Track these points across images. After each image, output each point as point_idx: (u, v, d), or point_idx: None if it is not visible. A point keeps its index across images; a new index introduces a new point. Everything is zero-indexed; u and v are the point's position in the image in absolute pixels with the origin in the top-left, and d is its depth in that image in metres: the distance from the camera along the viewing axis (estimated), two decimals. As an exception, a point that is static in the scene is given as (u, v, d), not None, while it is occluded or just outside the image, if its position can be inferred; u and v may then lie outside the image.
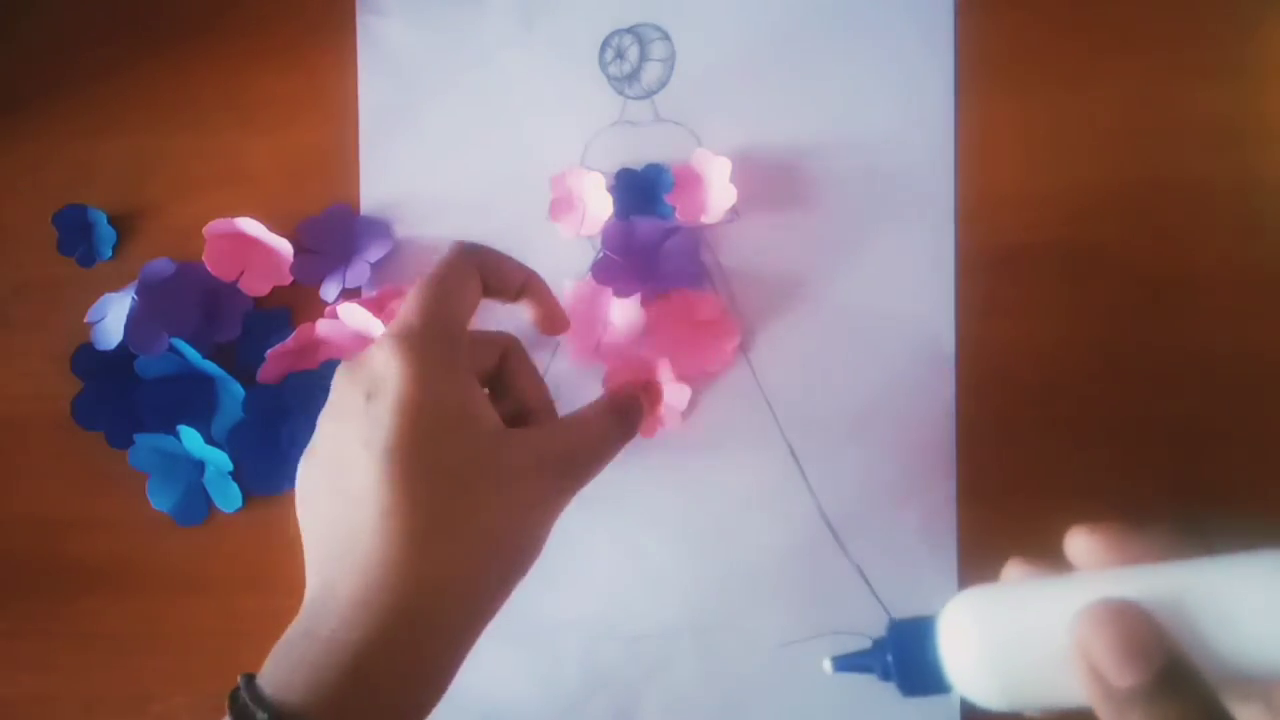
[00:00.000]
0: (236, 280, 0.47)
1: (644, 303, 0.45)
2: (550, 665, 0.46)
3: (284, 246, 0.47)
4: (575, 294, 0.46)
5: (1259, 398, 0.44)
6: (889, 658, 0.29)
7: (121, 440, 0.47)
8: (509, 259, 0.38)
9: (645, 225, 0.46)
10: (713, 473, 0.46)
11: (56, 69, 0.49)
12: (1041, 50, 0.45)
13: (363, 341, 0.45)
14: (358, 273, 0.47)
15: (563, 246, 0.46)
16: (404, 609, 0.31)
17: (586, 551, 0.46)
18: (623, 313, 0.45)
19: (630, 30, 0.47)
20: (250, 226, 0.46)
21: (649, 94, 0.47)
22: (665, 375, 0.44)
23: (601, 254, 0.46)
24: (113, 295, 0.47)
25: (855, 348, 0.45)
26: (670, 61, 0.47)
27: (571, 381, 0.46)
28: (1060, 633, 0.25)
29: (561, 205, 0.47)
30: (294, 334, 0.46)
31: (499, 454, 0.34)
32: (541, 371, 0.46)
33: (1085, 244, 0.45)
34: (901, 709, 0.29)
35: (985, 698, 0.27)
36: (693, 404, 0.46)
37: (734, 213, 0.46)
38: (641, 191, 0.46)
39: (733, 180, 0.45)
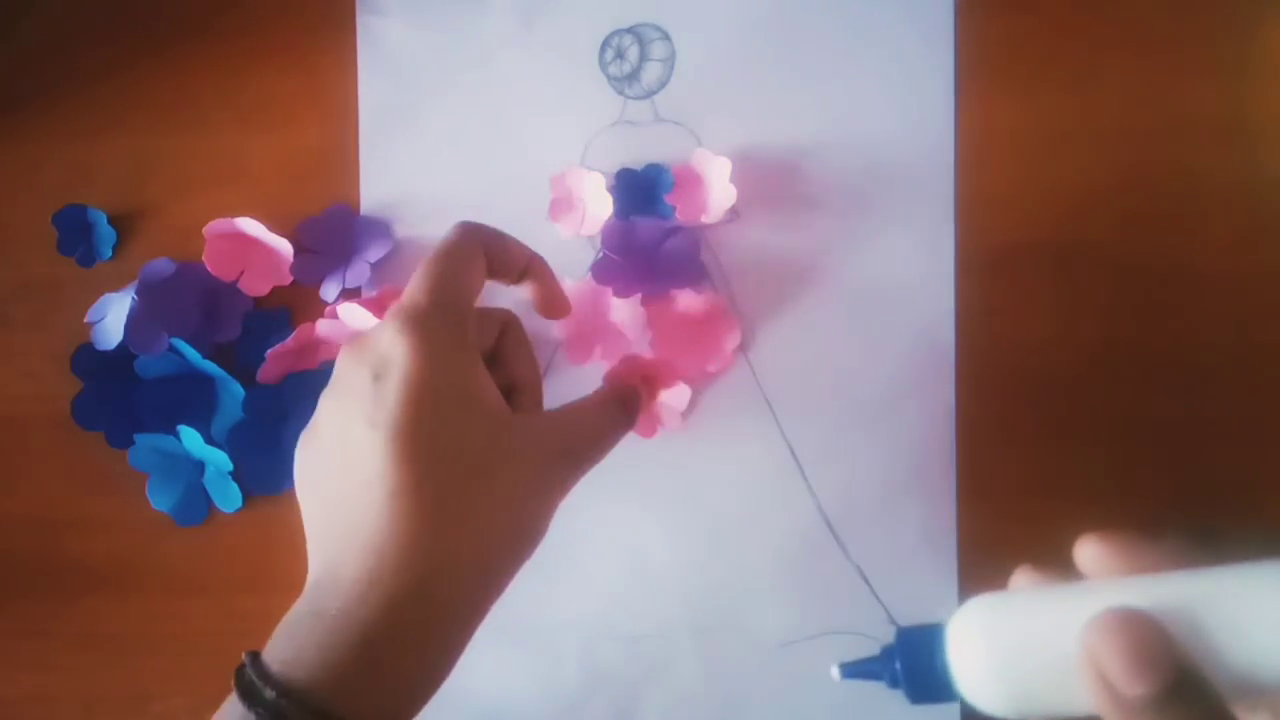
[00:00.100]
0: (236, 280, 0.47)
1: (644, 303, 0.45)
2: (550, 665, 0.46)
3: (284, 246, 0.47)
4: (575, 294, 0.46)
5: (1259, 397, 0.44)
6: (897, 665, 0.29)
7: (121, 440, 0.47)
8: (513, 240, 0.38)
9: (645, 225, 0.46)
10: (713, 473, 0.46)
11: (56, 69, 0.49)
12: (1041, 50, 0.45)
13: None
14: (358, 273, 0.47)
15: (563, 246, 0.46)
16: (414, 587, 0.31)
17: (586, 551, 0.46)
18: (623, 313, 0.45)
19: (630, 30, 0.47)
20: (250, 226, 0.46)
21: (649, 94, 0.47)
22: (665, 375, 0.44)
23: (601, 254, 0.46)
24: (113, 295, 0.47)
25: (855, 347, 0.45)
26: (670, 61, 0.47)
27: (572, 381, 0.46)
28: (1069, 641, 0.25)
29: (561, 205, 0.47)
30: (294, 334, 0.46)
31: (506, 437, 0.34)
32: (542, 372, 0.46)
33: (1085, 243, 0.45)
34: (901, 709, 0.29)
35: (993, 706, 0.27)
36: (693, 404, 0.46)
37: (734, 213, 0.46)
38: (641, 191, 0.46)
39: (733, 180, 0.45)
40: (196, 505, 0.47)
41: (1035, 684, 0.26)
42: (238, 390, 0.46)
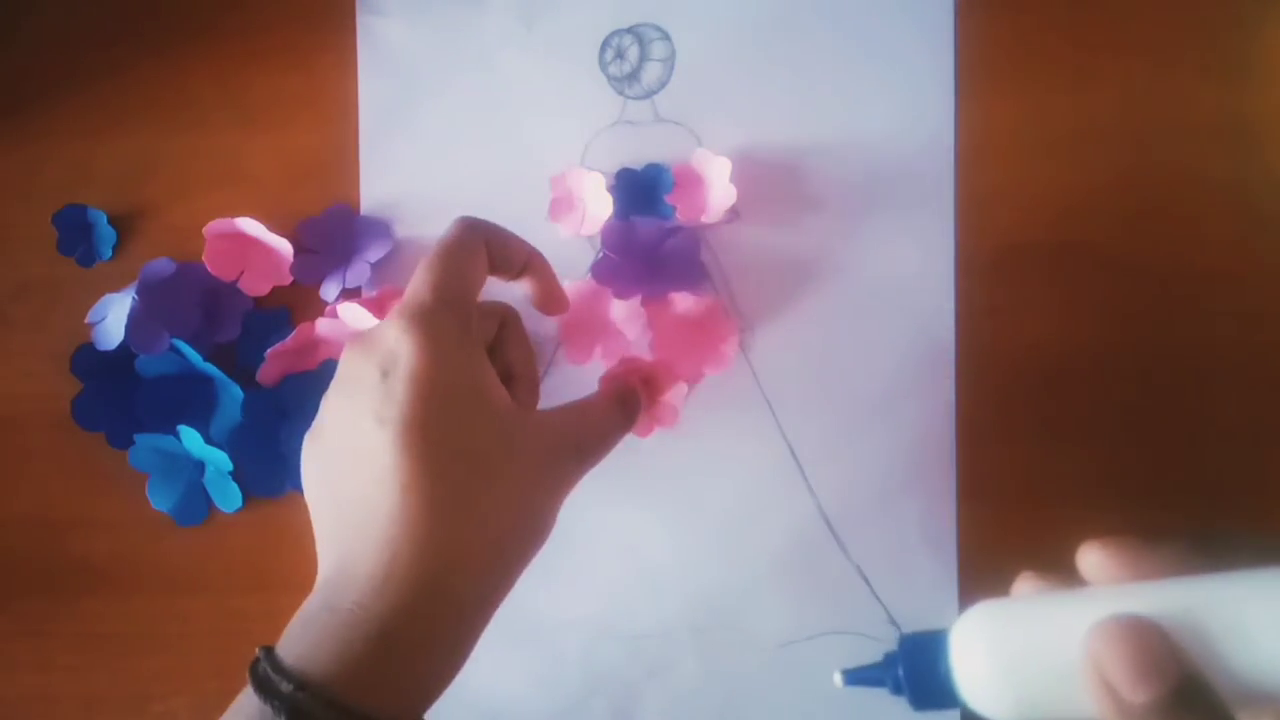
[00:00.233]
0: (236, 280, 0.47)
1: (644, 303, 0.45)
2: (550, 665, 0.46)
3: (284, 246, 0.47)
4: (575, 294, 0.46)
5: (1260, 397, 0.44)
6: (900, 672, 0.29)
7: (121, 440, 0.47)
8: (513, 236, 0.38)
9: (645, 225, 0.46)
10: (713, 473, 0.46)
11: (56, 70, 0.49)
12: (1041, 50, 0.45)
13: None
14: (358, 273, 0.47)
15: (563, 246, 0.46)
16: (428, 580, 0.31)
17: (586, 551, 0.46)
18: (623, 313, 0.45)
19: (630, 30, 0.47)
20: (250, 226, 0.46)
21: (649, 94, 0.47)
22: (663, 376, 0.44)
23: (601, 254, 0.46)
24: (113, 296, 0.47)
25: (855, 347, 0.45)
26: (670, 61, 0.47)
27: (572, 381, 0.46)
28: (1073, 648, 0.25)
29: (561, 205, 0.47)
30: (293, 333, 0.46)
31: (513, 432, 0.34)
32: (542, 372, 0.46)
33: (1085, 243, 0.45)
34: (903, 709, 0.29)
35: (997, 712, 0.26)
36: (691, 404, 0.46)
37: (734, 213, 0.46)
38: (641, 191, 0.46)
39: (733, 180, 0.45)
40: (196, 505, 0.47)
41: (1039, 691, 0.26)
42: (237, 392, 0.46)
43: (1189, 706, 0.24)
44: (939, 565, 0.45)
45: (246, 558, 0.47)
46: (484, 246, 0.37)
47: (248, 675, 0.30)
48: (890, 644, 0.29)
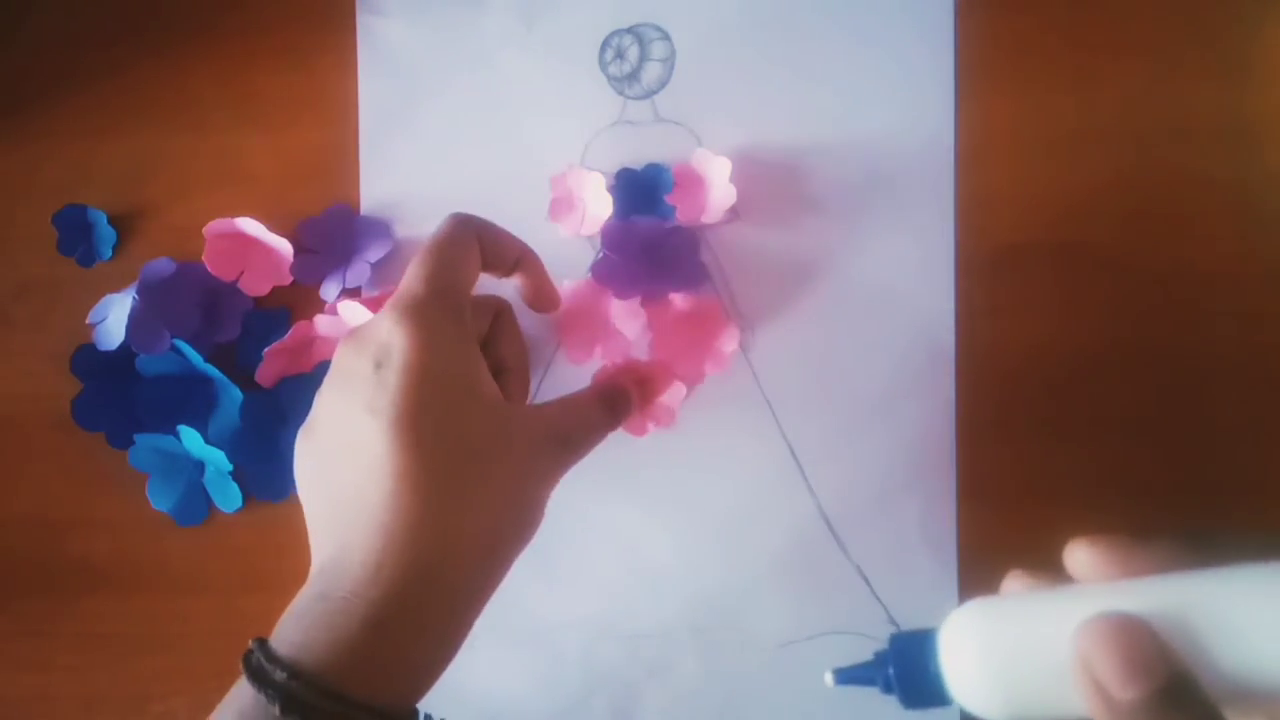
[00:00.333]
0: (236, 280, 0.47)
1: (644, 303, 0.45)
2: (550, 665, 0.46)
3: (284, 246, 0.47)
4: (575, 294, 0.46)
5: (1260, 397, 0.44)
6: (890, 671, 0.29)
7: (121, 440, 0.47)
8: (505, 232, 0.39)
9: (645, 225, 0.46)
10: (713, 473, 0.46)
11: (57, 70, 0.49)
12: (1041, 51, 0.45)
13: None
14: (358, 272, 0.47)
15: (563, 246, 0.46)
16: (421, 568, 0.31)
17: (586, 551, 0.46)
18: (622, 313, 0.45)
19: (630, 30, 0.47)
20: (250, 226, 0.46)
21: (649, 94, 0.47)
22: (659, 377, 0.44)
23: (601, 254, 0.46)
24: (114, 296, 0.47)
25: (855, 347, 0.45)
26: (670, 61, 0.47)
27: (572, 381, 0.46)
28: (1062, 646, 0.25)
29: (561, 205, 0.47)
30: (291, 330, 0.46)
31: (503, 424, 0.35)
32: (541, 371, 0.46)
33: (1085, 243, 0.45)
34: (901, 709, 0.29)
35: (987, 710, 0.27)
36: (688, 404, 0.46)
37: (734, 213, 0.46)
38: (641, 191, 0.46)
39: (733, 180, 0.45)
40: (196, 505, 0.47)
41: (1028, 688, 0.26)
42: (236, 394, 0.46)
43: (1177, 704, 0.24)
44: (939, 565, 0.45)
45: (246, 558, 0.47)
46: (476, 242, 0.37)
47: (241, 666, 0.30)
48: (886, 643, 0.29)
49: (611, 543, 0.46)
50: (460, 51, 0.48)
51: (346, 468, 0.33)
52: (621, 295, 0.45)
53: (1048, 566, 0.29)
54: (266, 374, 0.46)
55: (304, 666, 0.29)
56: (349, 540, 0.32)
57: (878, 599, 0.45)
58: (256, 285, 0.47)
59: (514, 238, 0.39)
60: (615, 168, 0.47)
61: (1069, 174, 0.45)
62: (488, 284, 0.41)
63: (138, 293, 0.46)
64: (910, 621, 0.44)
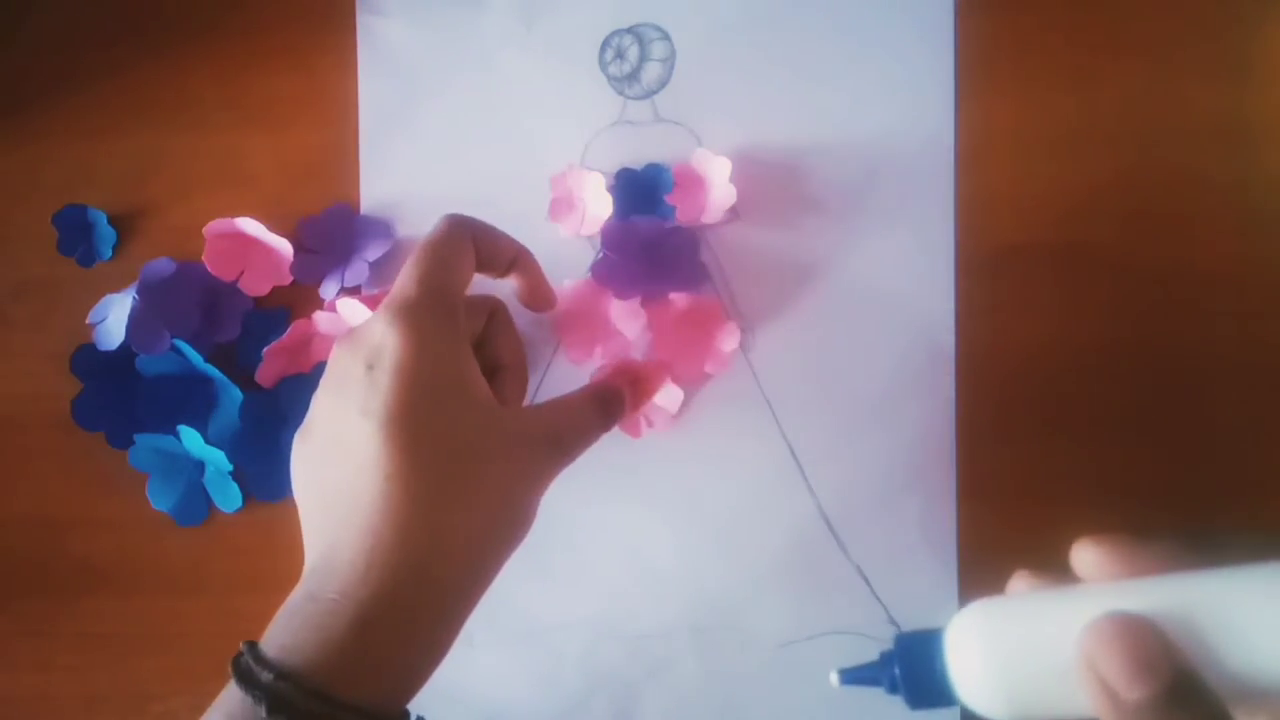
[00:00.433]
0: (236, 280, 0.47)
1: (644, 303, 0.45)
2: (550, 665, 0.46)
3: (284, 246, 0.47)
4: (575, 294, 0.46)
5: (1259, 396, 0.44)
6: (896, 671, 0.29)
7: (121, 440, 0.47)
8: (500, 233, 0.39)
9: (645, 225, 0.46)
10: (713, 473, 0.46)
11: (57, 70, 0.49)
12: (1041, 51, 0.45)
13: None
14: (357, 272, 0.47)
15: (563, 246, 0.46)
16: (410, 568, 0.31)
17: (588, 552, 0.46)
18: (622, 313, 0.45)
19: (630, 30, 0.47)
20: (250, 226, 0.46)
21: (649, 94, 0.47)
22: (655, 376, 0.44)
23: (601, 254, 0.46)
24: (114, 296, 0.47)
25: (855, 347, 0.45)
26: (670, 61, 0.47)
27: (571, 381, 0.46)
28: (1067, 646, 0.25)
29: (561, 205, 0.47)
30: (290, 329, 0.46)
31: (494, 425, 0.35)
32: (541, 372, 0.46)
33: (1085, 243, 0.45)
34: (903, 708, 0.29)
35: (992, 710, 0.27)
36: (685, 405, 0.46)
37: (734, 213, 0.46)
38: (641, 191, 0.46)
39: (733, 180, 0.45)
40: (196, 505, 0.47)
41: (1034, 688, 0.26)
42: (236, 394, 0.46)
43: (1183, 703, 0.24)
44: (939, 565, 0.45)
45: (246, 558, 0.47)
46: (471, 243, 0.37)
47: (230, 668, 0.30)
48: (889, 643, 0.29)
49: (611, 543, 0.46)
50: (460, 51, 0.48)
51: (339, 468, 0.33)
52: (621, 295, 0.45)
53: (1048, 566, 0.29)
54: (266, 374, 0.46)
55: (292, 667, 0.29)
56: (339, 540, 0.32)
57: (878, 599, 0.45)
58: (256, 285, 0.47)
59: (509, 238, 0.39)
60: (615, 168, 0.47)
61: (1069, 174, 0.45)
62: (485, 284, 0.41)
63: (138, 293, 0.46)
64: (910, 621, 0.44)
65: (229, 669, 0.30)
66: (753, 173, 0.45)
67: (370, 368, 0.33)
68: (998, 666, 0.26)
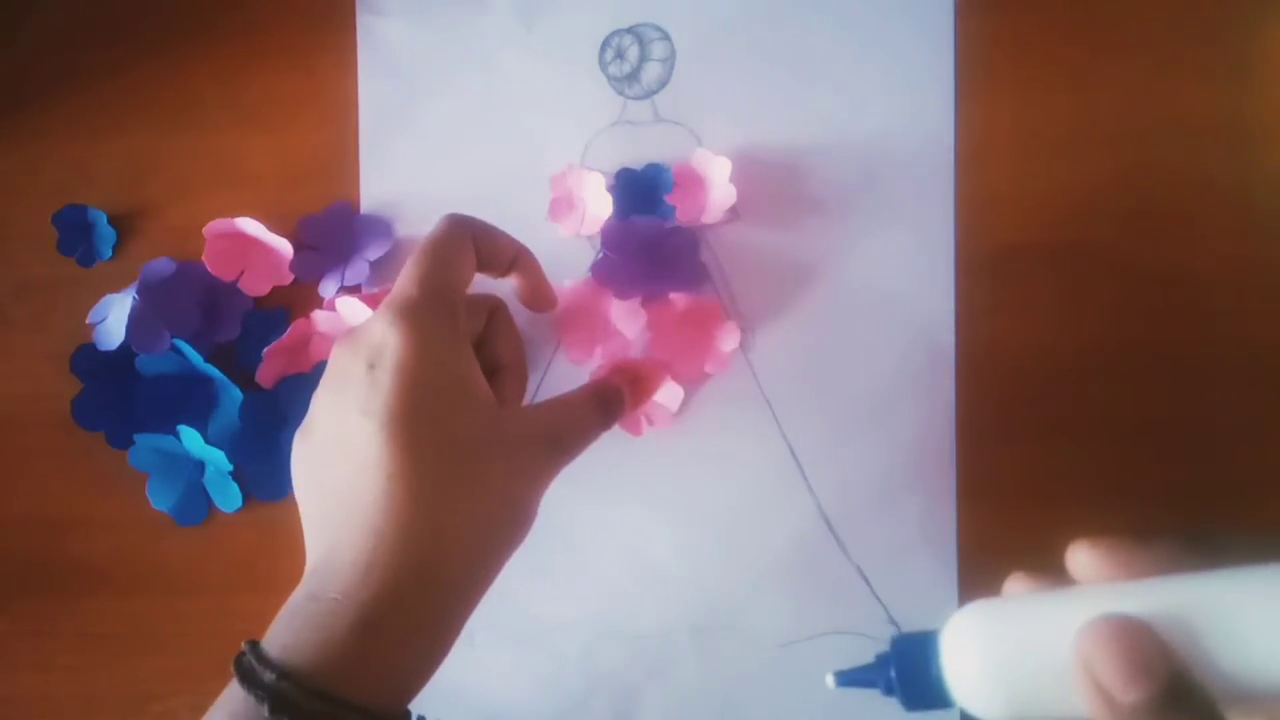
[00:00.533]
0: (236, 280, 0.47)
1: (644, 303, 0.45)
2: (550, 665, 0.46)
3: (284, 246, 0.47)
4: (575, 294, 0.46)
5: (1258, 396, 0.44)
6: (892, 673, 0.29)
7: (121, 440, 0.47)
8: (501, 232, 0.39)
9: (645, 225, 0.46)
10: (713, 473, 0.46)
11: (57, 70, 0.49)
12: (1041, 50, 0.45)
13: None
14: (357, 271, 0.47)
15: (563, 246, 0.46)
16: (412, 568, 0.31)
17: (588, 552, 0.46)
18: (622, 313, 0.45)
19: (630, 30, 0.47)
20: (250, 226, 0.46)
21: (649, 94, 0.47)
22: (655, 374, 0.44)
23: (601, 254, 0.46)
24: (114, 296, 0.47)
25: (855, 347, 0.45)
26: (670, 61, 0.47)
27: (571, 381, 0.46)
28: (1063, 648, 0.25)
29: (561, 205, 0.47)
30: (290, 328, 0.46)
31: (495, 425, 0.35)
32: (541, 372, 0.46)
33: (1085, 243, 0.45)
34: (902, 710, 0.29)
35: (988, 712, 0.27)
36: (691, 404, 0.46)
37: (734, 213, 0.46)
38: (641, 191, 0.46)
39: (733, 180, 0.45)
40: (196, 505, 0.47)
41: (1030, 690, 0.26)
42: (236, 394, 0.46)
43: (1179, 705, 0.24)
44: (939, 565, 0.45)
45: (246, 558, 0.47)
46: (471, 243, 0.37)
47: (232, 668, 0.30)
48: (888, 644, 0.29)
49: (612, 543, 0.46)
50: (460, 51, 0.48)
51: (340, 468, 0.33)
52: (621, 295, 0.45)
53: (1047, 566, 0.29)
54: (266, 374, 0.46)
55: (294, 667, 0.29)
56: (341, 540, 0.32)
57: (878, 599, 0.45)
58: (256, 285, 0.47)
59: (510, 238, 0.40)
60: (615, 168, 0.47)
61: (1069, 174, 0.45)
62: (484, 284, 0.41)
63: (138, 293, 0.46)
64: (910, 621, 0.44)
65: (230, 668, 0.30)
66: (753, 173, 0.45)
67: (371, 367, 0.33)
68: (994, 668, 0.26)
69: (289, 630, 0.31)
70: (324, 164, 0.48)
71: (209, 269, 0.47)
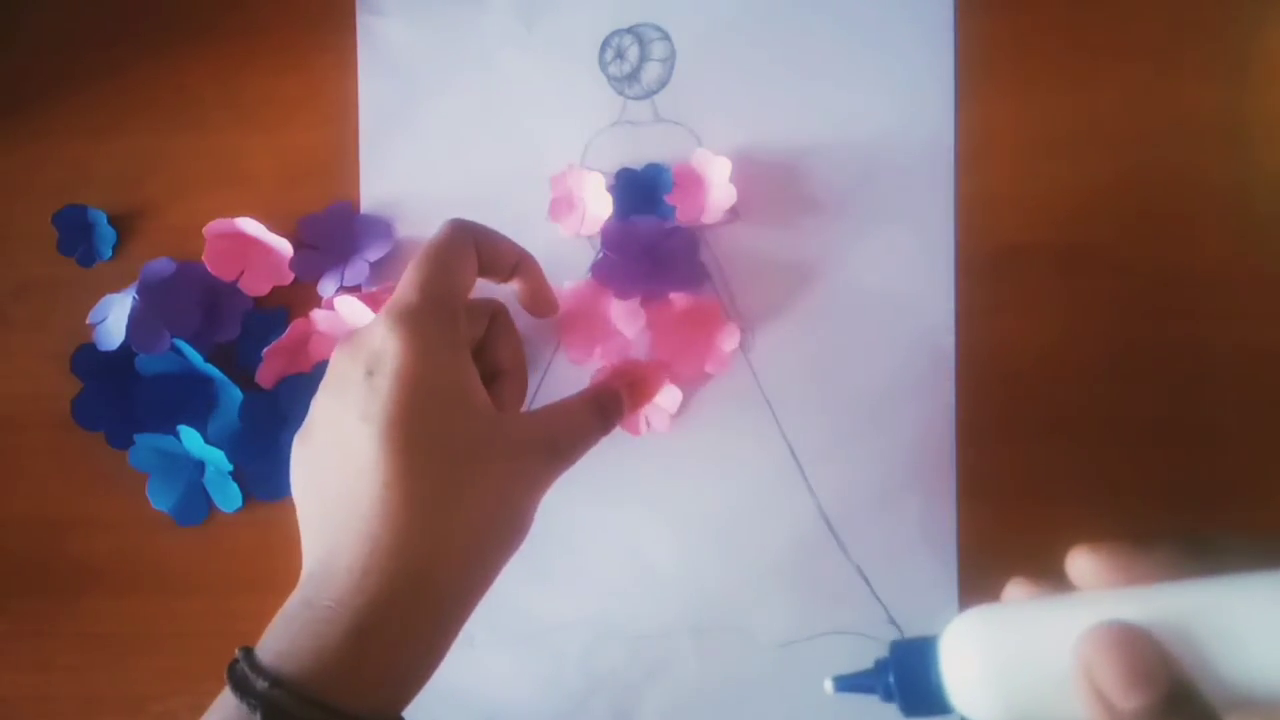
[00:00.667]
0: (236, 280, 0.47)
1: (644, 303, 0.45)
2: (550, 665, 0.46)
3: (284, 246, 0.47)
4: (575, 294, 0.46)
5: (1259, 396, 0.44)
6: (890, 679, 0.28)
7: (121, 440, 0.47)
8: (503, 238, 0.39)
9: (645, 225, 0.46)
10: (713, 473, 0.46)
11: (56, 70, 0.49)
12: (1041, 51, 0.45)
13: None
14: (357, 271, 0.47)
15: (563, 246, 0.46)
16: (407, 575, 0.31)
17: (588, 552, 0.46)
18: (622, 313, 0.45)
19: (630, 30, 0.47)
20: (250, 226, 0.46)
21: (649, 94, 0.47)
22: (654, 377, 0.44)
23: (601, 254, 0.46)
24: (114, 296, 0.47)
25: (855, 347, 0.45)
26: (670, 61, 0.47)
27: (571, 381, 0.46)
28: (1063, 654, 0.25)
29: (561, 205, 0.47)
30: (289, 328, 0.46)
31: (493, 432, 0.35)
32: (540, 372, 0.46)
33: (1085, 244, 0.45)
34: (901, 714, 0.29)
35: (987, 718, 0.26)
36: (685, 405, 0.46)
37: (734, 213, 0.46)
38: (641, 191, 0.46)
39: (732, 180, 0.45)
40: (196, 505, 0.47)
41: (1029, 697, 0.26)
42: (236, 394, 0.46)
43: (1179, 712, 0.24)
44: (939, 565, 0.45)
45: (246, 558, 0.47)
46: (473, 248, 0.37)
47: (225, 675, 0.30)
48: (888, 646, 0.29)
49: (611, 544, 0.46)
50: (460, 51, 0.48)
51: (337, 473, 0.33)
52: (621, 295, 0.45)
53: (1047, 567, 0.29)
54: (266, 374, 0.46)
55: (287, 675, 0.29)
56: (337, 544, 0.32)
57: (878, 599, 0.45)
58: (256, 285, 0.47)
59: (512, 243, 0.39)
60: (615, 168, 0.47)
61: (1069, 174, 0.45)
62: (485, 288, 0.41)
63: (138, 293, 0.46)
64: (910, 621, 0.44)
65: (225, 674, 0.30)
66: (752, 173, 0.45)
67: (370, 373, 0.33)
68: (993, 675, 0.26)
69: (283, 637, 0.30)
70: (324, 164, 0.48)
71: (209, 269, 0.47)
